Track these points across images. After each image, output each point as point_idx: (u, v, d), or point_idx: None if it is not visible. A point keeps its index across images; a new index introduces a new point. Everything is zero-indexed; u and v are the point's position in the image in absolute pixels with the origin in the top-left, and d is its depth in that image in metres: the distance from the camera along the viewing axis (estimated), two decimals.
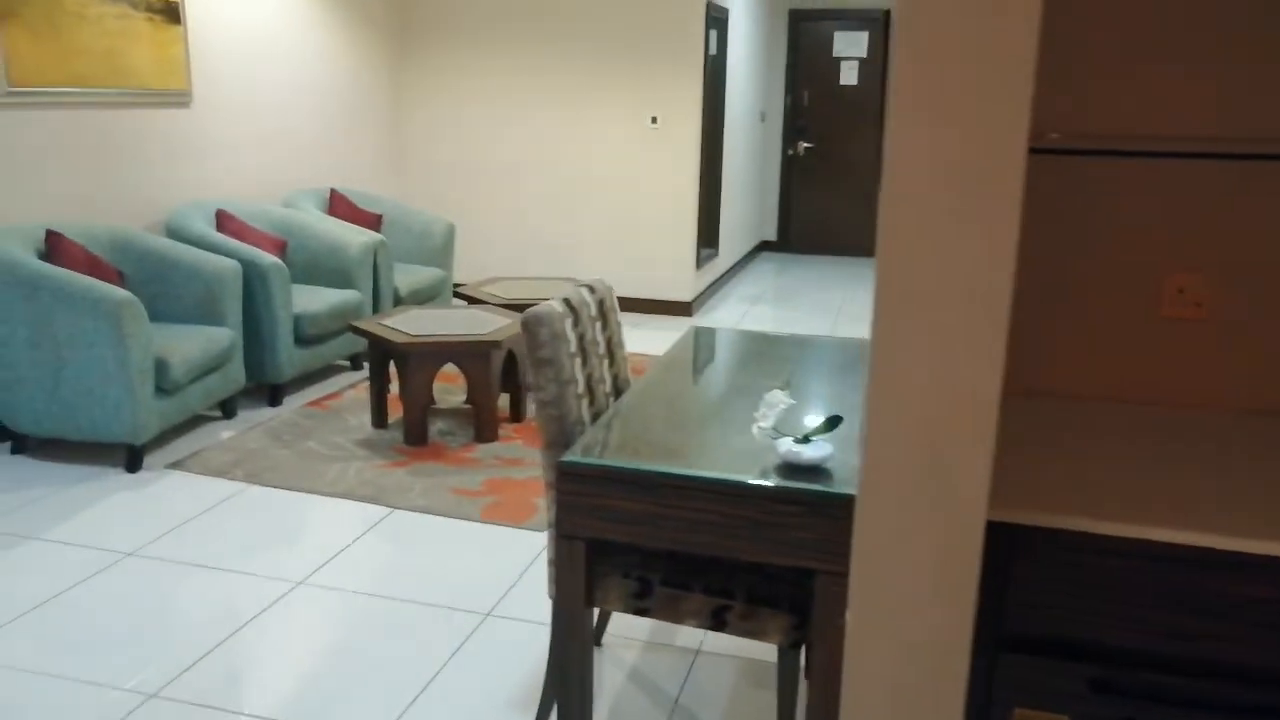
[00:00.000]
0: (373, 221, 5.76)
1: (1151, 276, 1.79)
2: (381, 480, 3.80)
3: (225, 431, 4.28)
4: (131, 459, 3.83)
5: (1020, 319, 1.84)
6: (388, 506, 3.59)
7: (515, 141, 6.85)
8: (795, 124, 9.23)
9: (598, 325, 2.40)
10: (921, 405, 1.19)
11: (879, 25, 8.84)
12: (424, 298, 5.63)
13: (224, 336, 4.17)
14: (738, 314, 6.93)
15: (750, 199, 8.81)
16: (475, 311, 4.53)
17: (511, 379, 4.47)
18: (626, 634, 2.79)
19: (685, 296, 6.76)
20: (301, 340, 4.67)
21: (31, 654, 2.62)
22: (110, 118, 4.52)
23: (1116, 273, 1.79)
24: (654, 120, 6.54)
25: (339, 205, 5.75)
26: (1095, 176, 1.74)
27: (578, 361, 2.22)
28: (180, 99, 4.92)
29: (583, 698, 2.11)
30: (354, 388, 4.94)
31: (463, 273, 7.13)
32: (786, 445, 1.92)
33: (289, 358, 4.58)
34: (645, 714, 2.46)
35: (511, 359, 4.39)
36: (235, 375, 4.33)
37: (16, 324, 3.70)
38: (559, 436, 2.13)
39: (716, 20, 6.73)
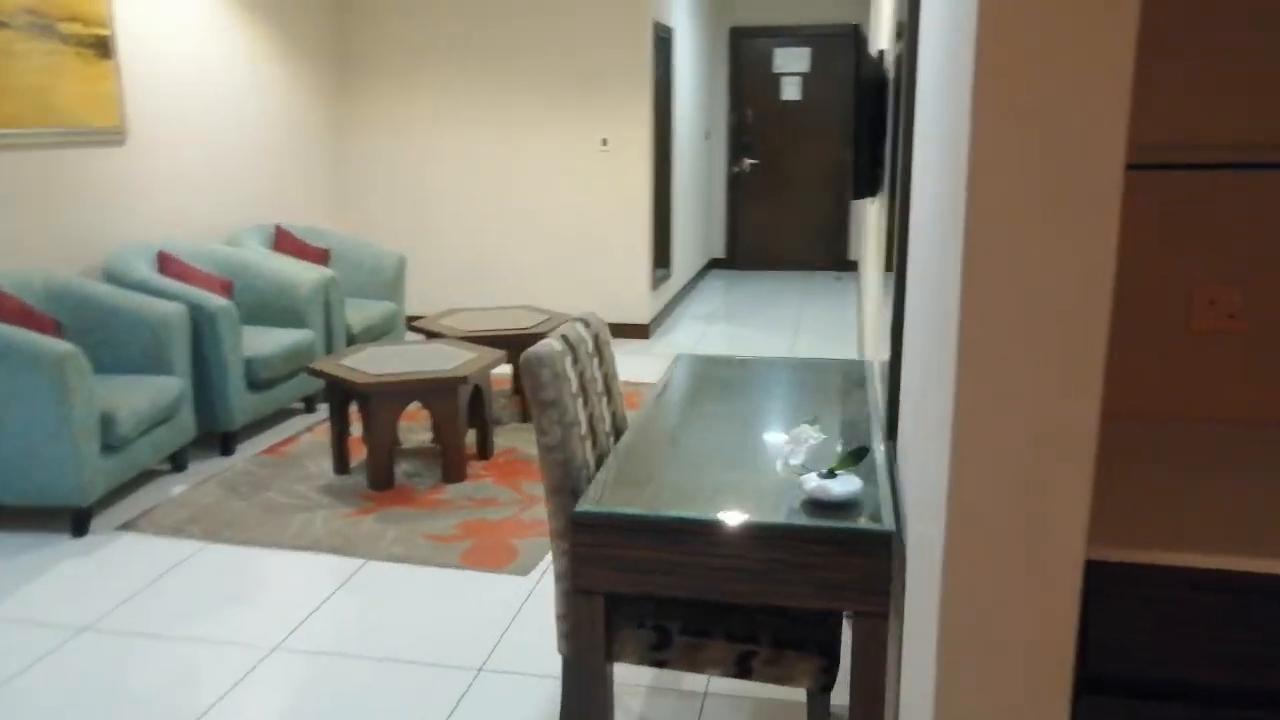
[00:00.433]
0: (320, 257, 5.55)
1: (1182, 289, 1.73)
2: (350, 530, 3.61)
3: (177, 486, 4.04)
4: (78, 522, 3.58)
5: None
6: (359, 558, 3.40)
7: (463, 168, 6.70)
8: (740, 141, 9.23)
9: (595, 361, 2.27)
10: (1012, 440, 1.09)
11: (819, 41, 8.89)
12: (377, 333, 5.44)
13: (173, 386, 3.95)
14: (695, 334, 6.85)
15: (698, 217, 8.76)
16: (436, 346, 4.36)
17: (477, 414, 4.31)
18: (628, 680, 2.65)
19: (643, 319, 6.66)
20: (253, 385, 4.45)
21: None
22: (41, 158, 4.27)
23: (1146, 285, 1.73)
24: (604, 142, 6.44)
25: (285, 241, 5.53)
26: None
27: (579, 401, 2.09)
28: (114, 137, 4.68)
29: None
30: (310, 431, 4.72)
31: (415, 306, 6.93)
32: (813, 481, 1.81)
33: (241, 404, 4.36)
34: None
35: (477, 393, 4.23)
36: (185, 426, 4.10)
37: None
38: (565, 482, 2.00)
39: (662, 40, 6.68)
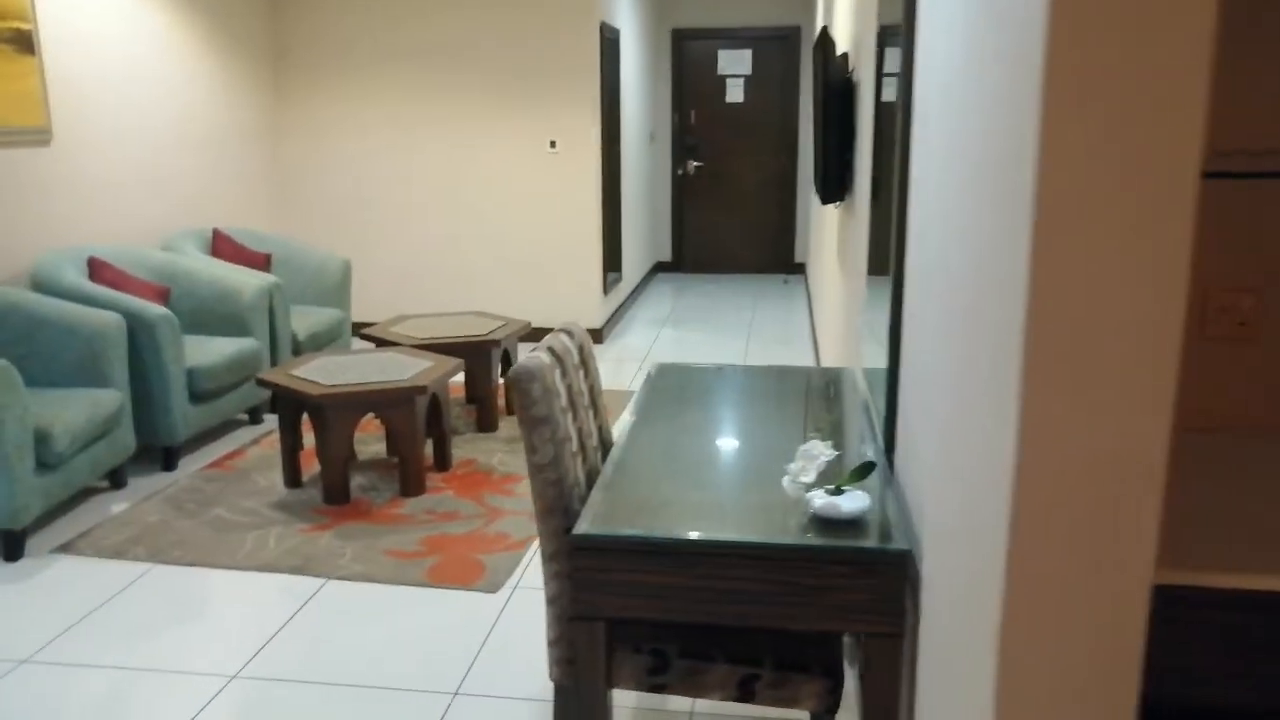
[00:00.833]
0: (261, 262, 5.35)
1: (1194, 296, 1.71)
2: (307, 548, 3.45)
3: (117, 505, 3.83)
4: (10, 546, 3.36)
5: None
6: (319, 577, 3.26)
7: (407, 171, 6.52)
8: (684, 143, 9.19)
9: (580, 373, 2.18)
10: (1081, 459, 1.04)
11: (762, 42, 8.90)
12: (323, 341, 5.26)
13: (111, 399, 3.74)
14: (648, 339, 6.78)
15: (644, 220, 8.70)
16: (390, 354, 4.22)
17: (434, 425, 4.17)
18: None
19: (595, 323, 6.57)
20: (196, 397, 4.25)
21: None
22: None
23: None
24: (553, 144, 6.33)
25: (223, 246, 5.31)
26: None
27: (569, 416, 2.00)
28: (39, 136, 4.43)
29: None
30: (256, 444, 4.53)
31: (360, 312, 6.73)
32: (821, 498, 1.75)
33: (183, 417, 4.16)
34: None
35: (434, 403, 4.10)
36: (125, 440, 3.89)
37: None
38: (557, 502, 1.91)
39: (609, 40, 6.59)
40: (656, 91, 9.09)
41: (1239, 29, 1.60)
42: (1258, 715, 1.24)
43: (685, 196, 9.34)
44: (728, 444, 2.13)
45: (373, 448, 4.48)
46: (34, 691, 2.60)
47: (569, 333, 2.21)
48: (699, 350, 6.42)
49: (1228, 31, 1.60)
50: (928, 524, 1.63)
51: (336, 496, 3.81)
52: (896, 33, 2.23)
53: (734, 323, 7.29)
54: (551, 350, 2.03)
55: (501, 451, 4.43)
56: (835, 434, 2.20)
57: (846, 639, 2.35)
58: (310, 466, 4.19)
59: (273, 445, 4.49)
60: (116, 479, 3.97)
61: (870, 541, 1.67)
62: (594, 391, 2.27)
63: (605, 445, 2.33)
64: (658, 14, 8.97)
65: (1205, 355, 1.72)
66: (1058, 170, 1.00)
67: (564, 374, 2.04)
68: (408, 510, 3.78)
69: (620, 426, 2.24)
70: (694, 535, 1.70)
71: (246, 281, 4.67)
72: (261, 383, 3.89)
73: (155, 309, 4.05)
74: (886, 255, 2.30)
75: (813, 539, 1.67)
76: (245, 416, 4.89)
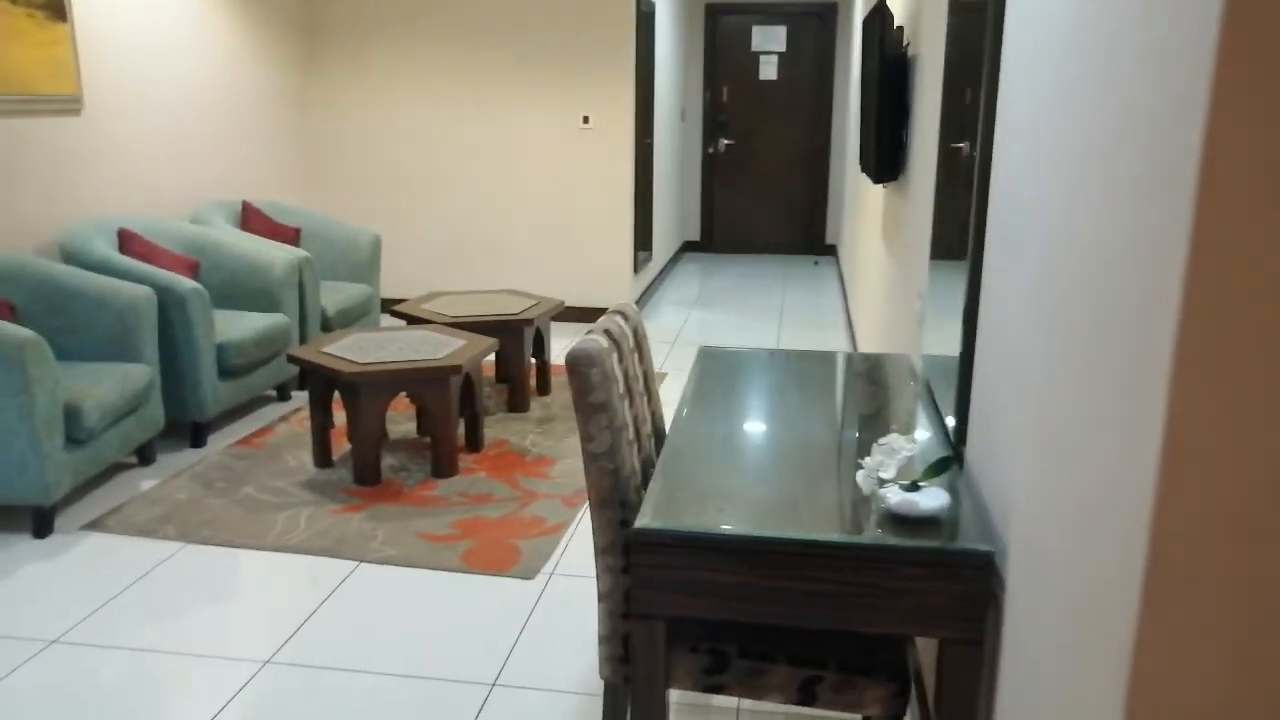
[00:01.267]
0: (291, 236, 5.27)
1: None
2: (338, 529, 3.38)
3: (146, 481, 3.77)
4: (40, 522, 3.31)
5: None
6: (352, 559, 3.19)
7: (438, 146, 6.42)
8: (715, 121, 9.04)
9: (635, 357, 2.08)
10: (1237, 471, 0.93)
11: (799, 19, 8.72)
12: (353, 317, 5.18)
13: (141, 374, 3.67)
14: (678, 320, 6.67)
15: (673, 198, 8.57)
16: (423, 333, 4.13)
17: (467, 405, 4.09)
18: None
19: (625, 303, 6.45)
20: (225, 372, 4.18)
21: None
22: None
23: None
24: (586, 120, 6.21)
25: (253, 219, 5.23)
26: None
27: (625, 403, 1.91)
28: (70, 105, 4.35)
29: None
30: (285, 421, 4.47)
31: (390, 288, 6.66)
32: (896, 494, 1.65)
33: (213, 392, 4.09)
34: None
35: (467, 383, 4.01)
36: (154, 416, 3.83)
37: None
38: (613, 493, 1.82)
39: (645, 15, 6.45)
40: (688, 68, 8.93)
41: None
42: None
43: (715, 175, 9.20)
44: (786, 433, 2.02)
45: (402, 427, 4.41)
46: (63, 672, 2.55)
47: (624, 314, 2.11)
48: (731, 333, 6.31)
49: None
50: (1015, 524, 1.52)
51: (368, 477, 3.73)
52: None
53: (765, 305, 7.17)
54: (608, 333, 1.93)
55: (534, 433, 4.34)
56: (900, 425, 2.09)
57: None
58: (340, 445, 4.12)
59: (302, 423, 4.42)
60: (145, 455, 3.91)
61: (951, 542, 1.56)
62: (648, 376, 2.17)
63: (658, 433, 2.23)
64: None
65: None
66: (1223, 153, 0.88)
67: (620, 358, 1.94)
68: (440, 492, 3.70)
69: (671, 413, 2.14)
70: (766, 533, 1.60)
71: (277, 256, 4.59)
72: (293, 359, 3.81)
73: (186, 283, 3.98)
74: (952, 237, 2.19)
75: (890, 538, 1.57)
76: (274, 393, 4.83)
